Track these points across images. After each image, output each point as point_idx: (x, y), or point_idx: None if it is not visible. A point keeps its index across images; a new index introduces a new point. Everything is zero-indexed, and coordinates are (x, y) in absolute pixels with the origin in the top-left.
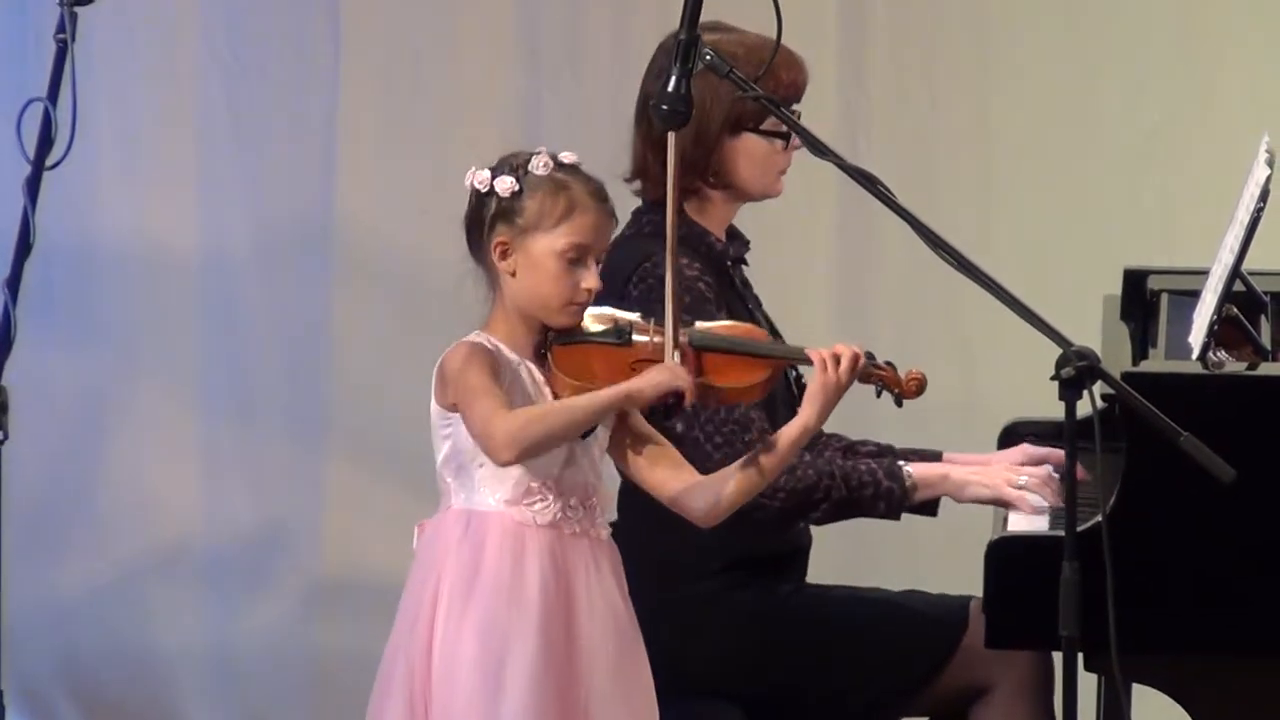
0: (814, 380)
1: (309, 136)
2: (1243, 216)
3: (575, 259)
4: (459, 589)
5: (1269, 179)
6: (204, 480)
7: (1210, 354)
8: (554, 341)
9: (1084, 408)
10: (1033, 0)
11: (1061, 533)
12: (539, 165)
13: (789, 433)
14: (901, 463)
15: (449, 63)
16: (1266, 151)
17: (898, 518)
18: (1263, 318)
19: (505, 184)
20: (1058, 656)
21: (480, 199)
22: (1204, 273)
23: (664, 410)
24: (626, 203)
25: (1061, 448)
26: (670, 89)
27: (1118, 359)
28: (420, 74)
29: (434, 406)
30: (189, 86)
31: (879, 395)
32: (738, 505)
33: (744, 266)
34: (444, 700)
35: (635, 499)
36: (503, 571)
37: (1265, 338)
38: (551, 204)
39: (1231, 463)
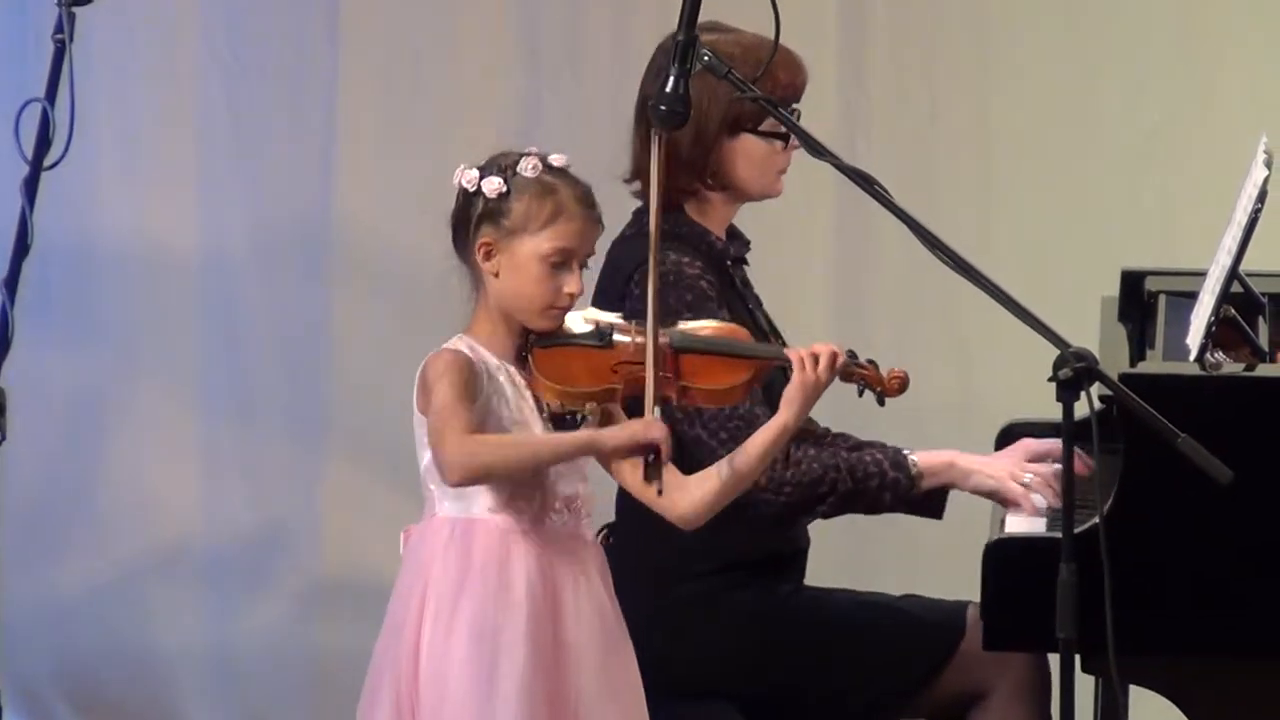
0: (792, 380)
1: (308, 136)
2: (1240, 218)
3: (559, 263)
4: (446, 595)
5: (1267, 180)
6: (203, 480)
7: (1208, 355)
8: (535, 344)
9: (1082, 409)
10: (1032, 1)
11: (1059, 534)
12: (528, 167)
13: (767, 433)
14: (906, 451)
15: (448, 63)
16: (1264, 152)
17: (905, 509)
18: (1260, 319)
19: (493, 185)
20: (1055, 659)
21: (467, 198)
22: (1202, 274)
23: (645, 468)
24: (627, 203)
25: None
26: (668, 89)
27: (1115, 360)
28: (419, 74)
29: (416, 414)
30: (188, 87)
31: (860, 394)
32: (719, 507)
33: (745, 266)
34: (433, 705)
35: (635, 499)
36: (489, 577)
37: (1263, 339)
38: (538, 207)
39: (1229, 464)
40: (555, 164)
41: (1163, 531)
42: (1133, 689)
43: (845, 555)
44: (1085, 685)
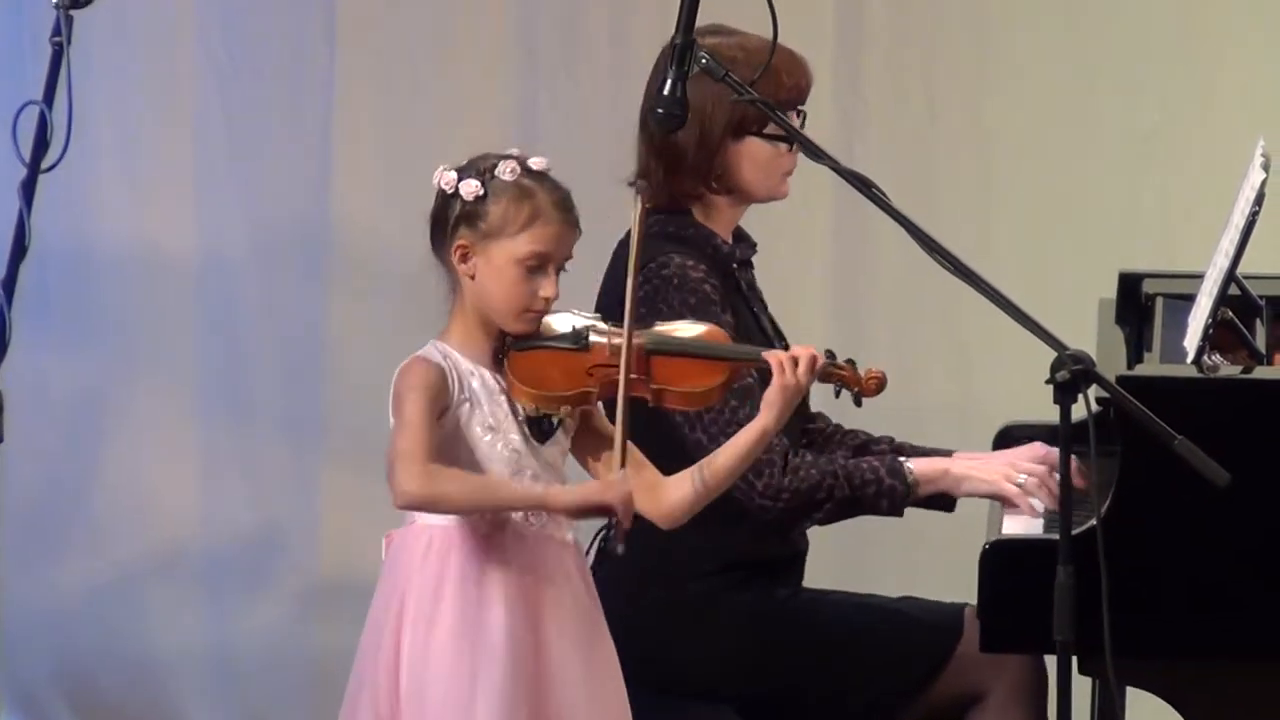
0: (772, 384)
1: (305, 138)
2: (1238, 220)
3: (535, 267)
4: (425, 604)
5: (1264, 183)
6: (202, 482)
7: (1205, 358)
8: (511, 347)
9: (1079, 411)
10: (1031, 3)
11: (1056, 536)
12: (506, 170)
13: (746, 436)
14: (903, 459)
15: (446, 65)
16: (1262, 155)
17: (901, 515)
18: (1258, 321)
19: (470, 187)
20: (1052, 661)
21: (445, 200)
22: (1199, 277)
23: (603, 536)
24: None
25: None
26: (665, 92)
27: (1113, 362)
28: (417, 76)
29: (391, 419)
30: (185, 89)
31: (838, 395)
32: (697, 509)
33: (751, 270)
34: (413, 715)
35: None
36: (468, 583)
37: (1260, 341)
38: (515, 211)
39: (1226, 466)
40: (535, 168)
41: (1160, 534)
42: (1129, 691)
43: (843, 557)
44: (1082, 687)
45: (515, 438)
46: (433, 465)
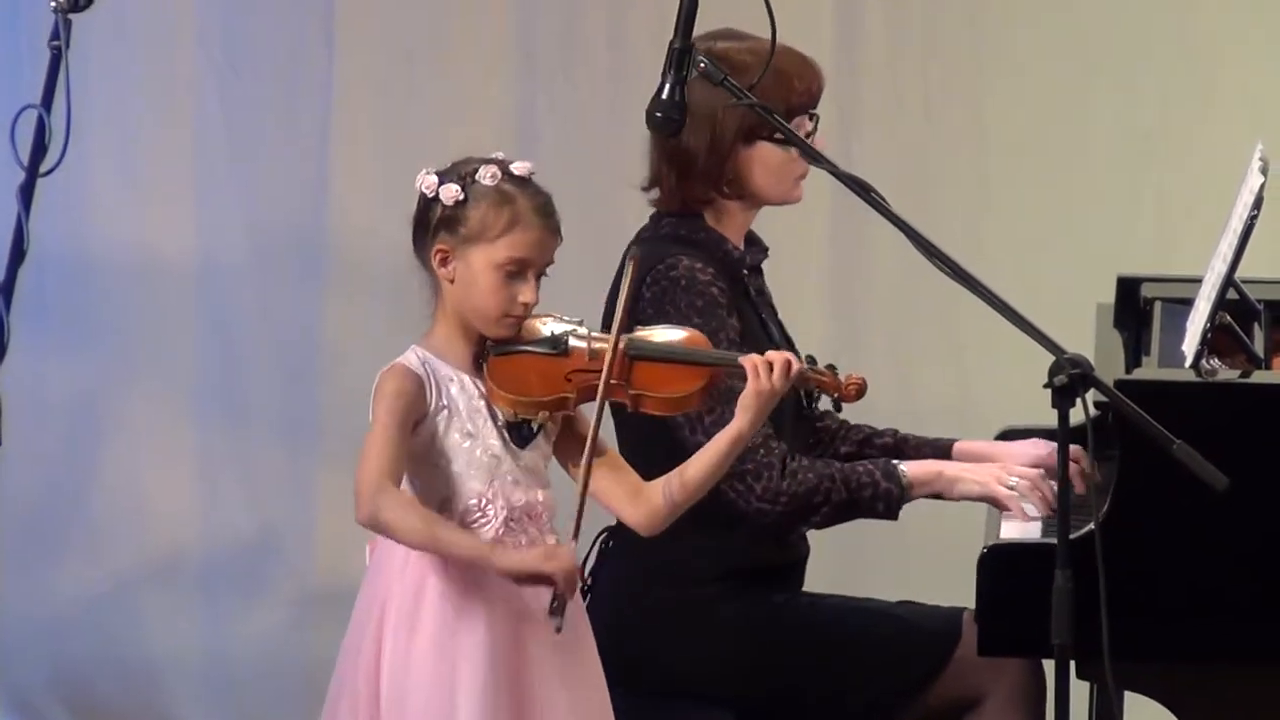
0: (747, 388)
1: (303, 141)
2: (1236, 224)
3: (514, 272)
4: (405, 613)
5: (1263, 187)
6: (198, 487)
7: (1203, 362)
8: (490, 352)
9: (1077, 415)
10: (1028, 4)
11: (1054, 540)
12: (486, 175)
13: (721, 441)
14: (896, 462)
15: (444, 68)
16: (1260, 159)
17: (896, 518)
18: (1256, 325)
19: (450, 192)
20: (1050, 665)
21: (427, 204)
22: (1197, 280)
23: (552, 604)
24: (627, 205)
25: (1074, 444)
26: (664, 96)
27: (1111, 366)
28: (415, 79)
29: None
30: (183, 92)
31: (817, 400)
32: (675, 515)
33: (761, 276)
34: None
35: None
36: (448, 592)
37: (1258, 345)
38: (494, 216)
39: (1224, 470)
40: (517, 172)
41: (1158, 538)
42: (1127, 695)
43: (841, 561)
44: (1080, 691)
45: (494, 443)
46: (392, 492)
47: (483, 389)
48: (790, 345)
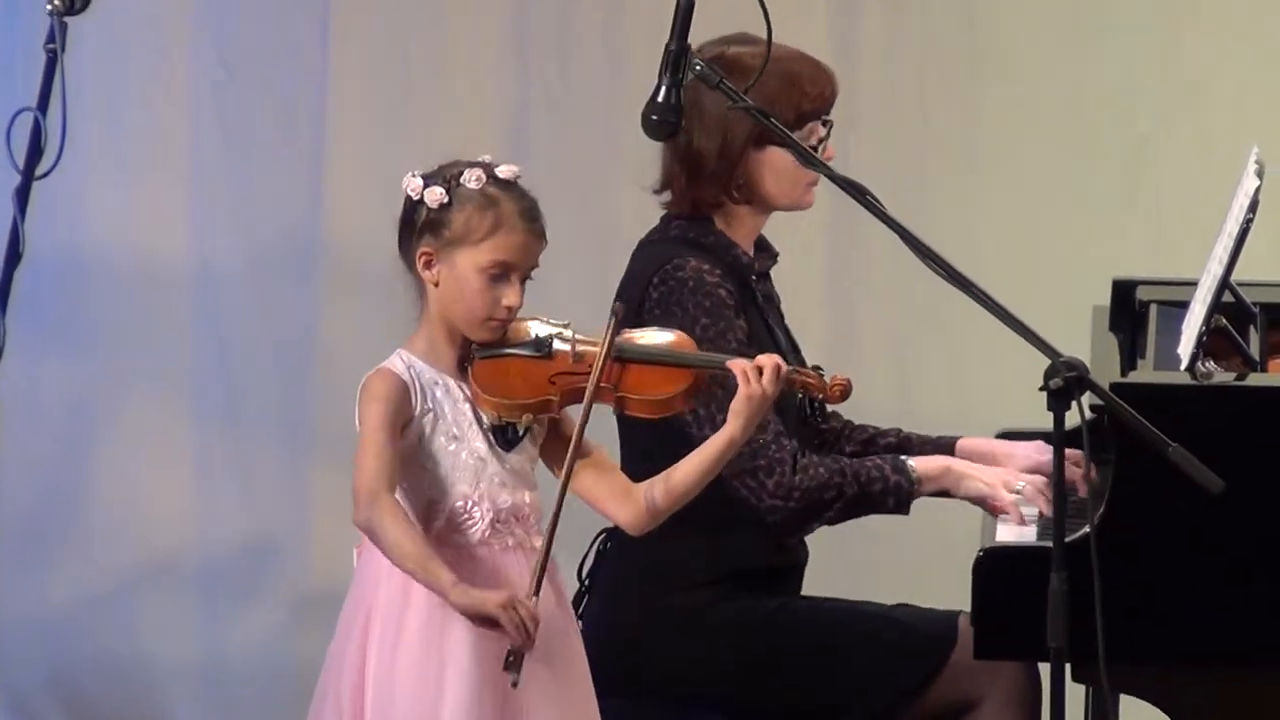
0: (738, 393)
1: (298, 144)
2: (1231, 228)
3: (498, 276)
4: (390, 620)
5: (1258, 190)
6: (194, 490)
7: (1199, 365)
8: (475, 355)
9: (1073, 418)
10: (1023, 8)
11: (1050, 544)
12: (471, 179)
13: (713, 446)
14: (905, 458)
15: (439, 70)
16: (1256, 163)
17: (907, 512)
18: (1251, 328)
19: (435, 195)
20: (1046, 668)
21: (412, 206)
22: (1193, 284)
23: (507, 659)
24: (624, 206)
25: (1077, 448)
26: (659, 99)
27: (1107, 370)
28: (410, 82)
29: (358, 429)
30: (179, 96)
31: (801, 400)
32: (662, 518)
33: (770, 282)
34: None
35: None
36: (434, 602)
37: (1254, 348)
38: (479, 220)
39: (1220, 473)
40: (502, 176)
41: (1154, 541)
42: (1123, 698)
43: (837, 564)
44: (1076, 694)
45: (480, 446)
46: (387, 503)
47: (468, 392)
48: (796, 351)
